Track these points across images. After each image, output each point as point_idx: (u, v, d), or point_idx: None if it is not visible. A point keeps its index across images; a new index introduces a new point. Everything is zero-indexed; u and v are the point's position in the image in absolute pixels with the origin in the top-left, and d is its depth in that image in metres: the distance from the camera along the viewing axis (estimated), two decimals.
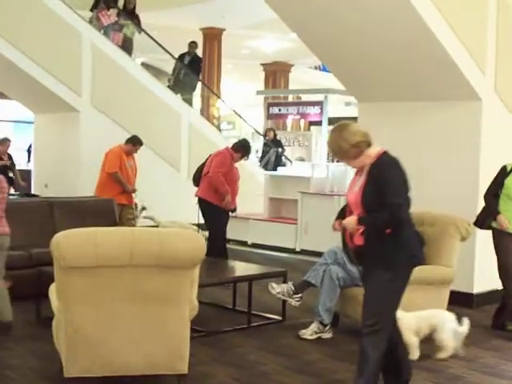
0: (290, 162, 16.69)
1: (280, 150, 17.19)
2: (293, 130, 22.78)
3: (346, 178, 11.64)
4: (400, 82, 8.61)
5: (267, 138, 17.63)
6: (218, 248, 9.32)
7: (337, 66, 9.10)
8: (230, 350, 6.53)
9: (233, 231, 11.26)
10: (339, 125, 4.97)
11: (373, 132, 9.18)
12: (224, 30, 22.03)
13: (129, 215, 11.10)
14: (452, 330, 6.31)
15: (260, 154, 17.72)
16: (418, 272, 6.82)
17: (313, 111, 17.65)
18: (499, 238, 7.33)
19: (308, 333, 6.94)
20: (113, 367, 5.05)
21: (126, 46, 14.90)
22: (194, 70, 17.32)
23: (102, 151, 13.16)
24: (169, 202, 12.67)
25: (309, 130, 22.71)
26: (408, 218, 4.90)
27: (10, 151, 13.79)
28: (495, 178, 7.42)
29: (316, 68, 26.21)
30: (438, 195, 8.46)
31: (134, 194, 11.18)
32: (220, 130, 19.45)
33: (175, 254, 4.98)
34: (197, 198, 9.69)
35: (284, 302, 7.38)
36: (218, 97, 21.01)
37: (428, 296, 6.89)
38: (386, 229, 4.79)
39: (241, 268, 8.52)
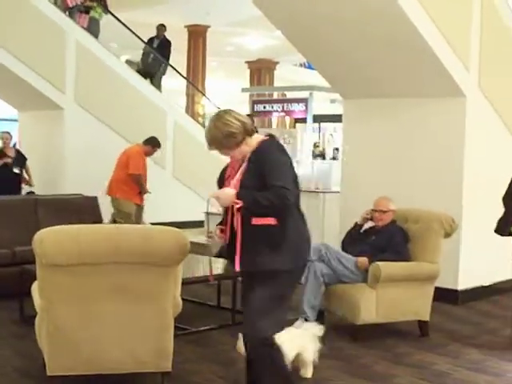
0: None
1: None
2: (278, 127, 22.77)
3: (330, 175, 11.63)
4: (384, 79, 8.61)
5: None
6: None
7: (321, 64, 9.08)
8: (214, 348, 6.51)
9: None
10: (215, 114, 4.57)
11: (358, 129, 9.32)
12: (209, 27, 22.01)
13: (140, 215, 11.18)
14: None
15: None
16: (403, 269, 6.90)
17: (298, 108, 17.59)
18: None
19: None
20: (96, 365, 5.02)
21: (93, 29, 14.60)
22: (162, 54, 16.96)
23: (86, 148, 13.16)
24: (154, 200, 12.61)
25: (294, 127, 22.70)
26: (296, 209, 4.46)
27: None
28: None
29: (301, 65, 26.23)
30: (422, 192, 8.47)
31: (144, 196, 11.24)
32: (205, 127, 19.37)
33: (159, 251, 4.94)
34: None
35: None
36: (203, 94, 20.98)
37: (413, 292, 6.90)
38: (269, 210, 4.25)
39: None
